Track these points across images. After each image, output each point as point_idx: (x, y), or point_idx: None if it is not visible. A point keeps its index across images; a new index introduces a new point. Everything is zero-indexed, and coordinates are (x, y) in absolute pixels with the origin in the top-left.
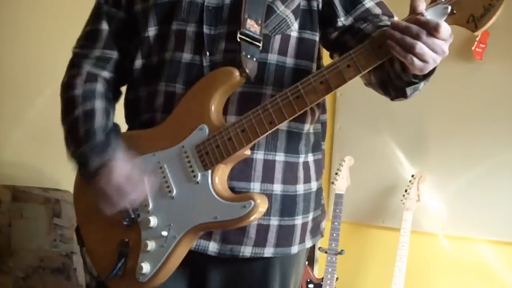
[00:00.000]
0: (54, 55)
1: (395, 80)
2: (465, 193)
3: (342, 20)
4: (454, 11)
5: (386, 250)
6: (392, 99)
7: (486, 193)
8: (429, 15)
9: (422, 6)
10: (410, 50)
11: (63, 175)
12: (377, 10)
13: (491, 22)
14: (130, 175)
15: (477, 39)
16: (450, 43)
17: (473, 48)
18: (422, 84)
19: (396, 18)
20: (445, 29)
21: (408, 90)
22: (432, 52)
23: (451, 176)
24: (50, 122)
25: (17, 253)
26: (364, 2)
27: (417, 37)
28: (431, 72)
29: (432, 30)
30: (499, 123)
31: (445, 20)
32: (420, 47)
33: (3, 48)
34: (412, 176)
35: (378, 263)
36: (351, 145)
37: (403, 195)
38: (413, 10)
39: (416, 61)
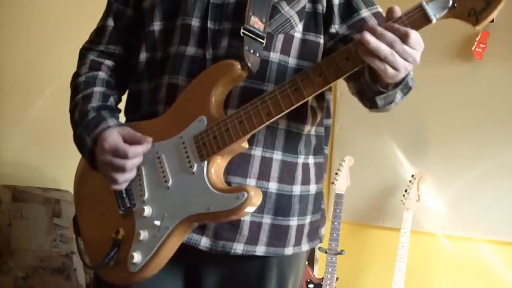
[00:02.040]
0: (54, 56)
1: (366, 89)
2: (465, 193)
3: (336, 27)
4: (455, 5)
5: (386, 250)
6: (369, 110)
7: (486, 193)
8: (430, 8)
9: (396, 14)
10: (385, 58)
11: (63, 175)
12: (373, 21)
13: (492, 16)
14: (126, 136)
15: (477, 39)
16: (421, 52)
17: (473, 48)
18: (399, 97)
19: None
20: (416, 37)
21: (378, 100)
22: (404, 60)
23: (451, 176)
24: (51, 122)
25: (17, 253)
26: (360, 12)
27: (390, 45)
28: (401, 82)
29: (403, 37)
30: (499, 123)
31: (446, 14)
32: (393, 55)
33: (4, 48)
34: (412, 176)
35: (378, 263)
36: (351, 145)
37: (403, 195)
38: (388, 18)
39: (389, 69)
